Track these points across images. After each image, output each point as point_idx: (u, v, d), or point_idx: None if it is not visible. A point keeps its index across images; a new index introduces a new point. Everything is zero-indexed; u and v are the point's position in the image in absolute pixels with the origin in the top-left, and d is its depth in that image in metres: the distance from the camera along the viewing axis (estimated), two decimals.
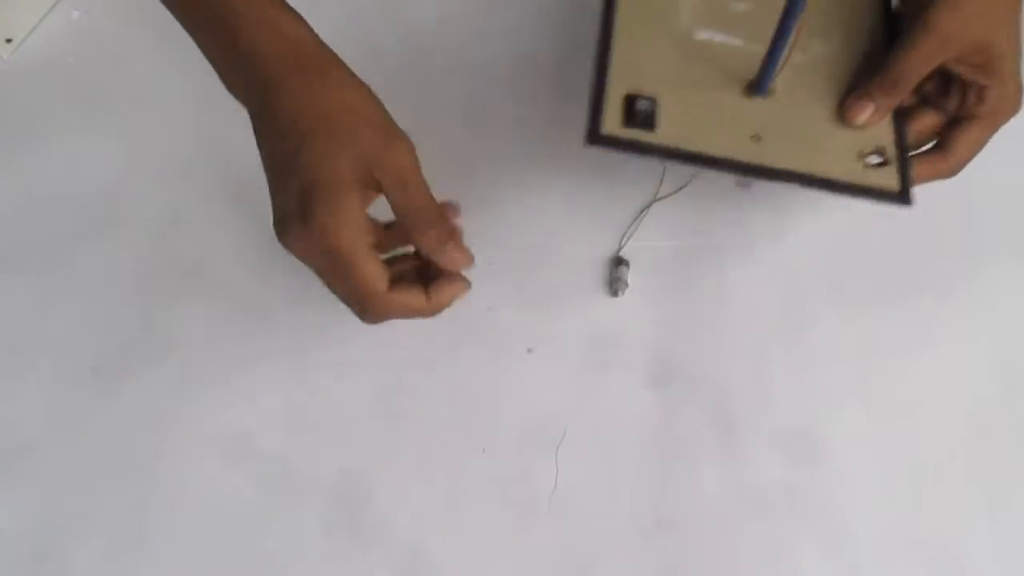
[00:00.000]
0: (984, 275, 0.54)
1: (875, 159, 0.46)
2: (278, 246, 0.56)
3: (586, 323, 0.54)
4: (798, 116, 0.47)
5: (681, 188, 0.57)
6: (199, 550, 0.49)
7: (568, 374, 0.52)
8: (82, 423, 0.52)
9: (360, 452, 0.51)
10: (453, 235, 0.43)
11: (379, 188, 0.42)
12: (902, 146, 0.47)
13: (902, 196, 0.45)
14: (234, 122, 0.59)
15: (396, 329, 0.54)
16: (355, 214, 0.40)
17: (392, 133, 0.42)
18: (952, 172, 0.49)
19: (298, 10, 0.44)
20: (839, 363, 0.52)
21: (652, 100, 0.46)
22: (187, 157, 0.59)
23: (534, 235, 0.56)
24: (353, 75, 0.43)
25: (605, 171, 0.58)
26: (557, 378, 0.52)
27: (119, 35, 0.64)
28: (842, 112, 0.47)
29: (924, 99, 0.48)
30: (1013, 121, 0.58)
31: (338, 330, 0.54)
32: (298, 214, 0.40)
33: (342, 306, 0.54)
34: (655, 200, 0.56)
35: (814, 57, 0.49)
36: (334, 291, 0.43)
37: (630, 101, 0.45)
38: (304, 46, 0.42)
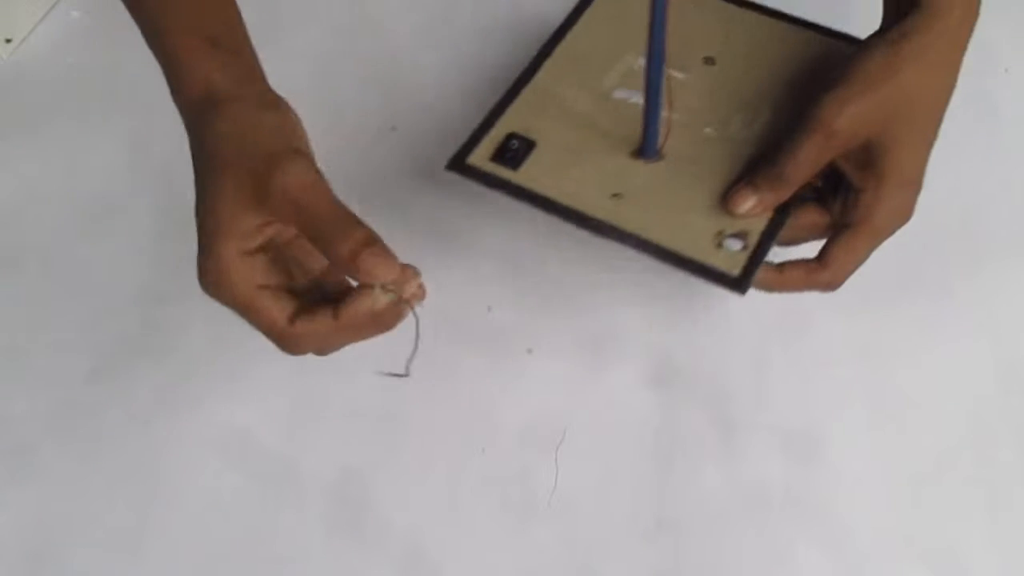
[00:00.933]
0: (984, 275, 0.54)
1: (735, 244, 0.43)
2: None
3: (586, 323, 0.54)
4: (672, 185, 0.45)
5: None
6: (199, 550, 0.49)
7: (568, 374, 0.52)
8: (82, 423, 0.52)
9: (360, 452, 0.51)
10: (370, 242, 0.38)
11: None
12: (767, 236, 0.43)
13: (738, 282, 0.42)
14: None
15: (396, 329, 0.54)
16: (233, 259, 0.39)
17: (278, 155, 0.38)
18: (829, 284, 0.45)
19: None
20: (839, 363, 0.52)
21: (530, 142, 0.46)
22: (187, 157, 0.59)
23: (533, 234, 0.56)
24: (245, 105, 0.41)
25: None
26: (557, 378, 0.52)
27: (119, 35, 0.64)
28: (725, 198, 0.44)
29: (819, 193, 0.46)
30: (1011, 118, 0.59)
31: None
32: (199, 265, 0.40)
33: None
34: None
35: (727, 135, 0.47)
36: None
37: (508, 138, 0.46)
38: (199, 86, 0.42)
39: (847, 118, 0.42)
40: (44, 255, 0.57)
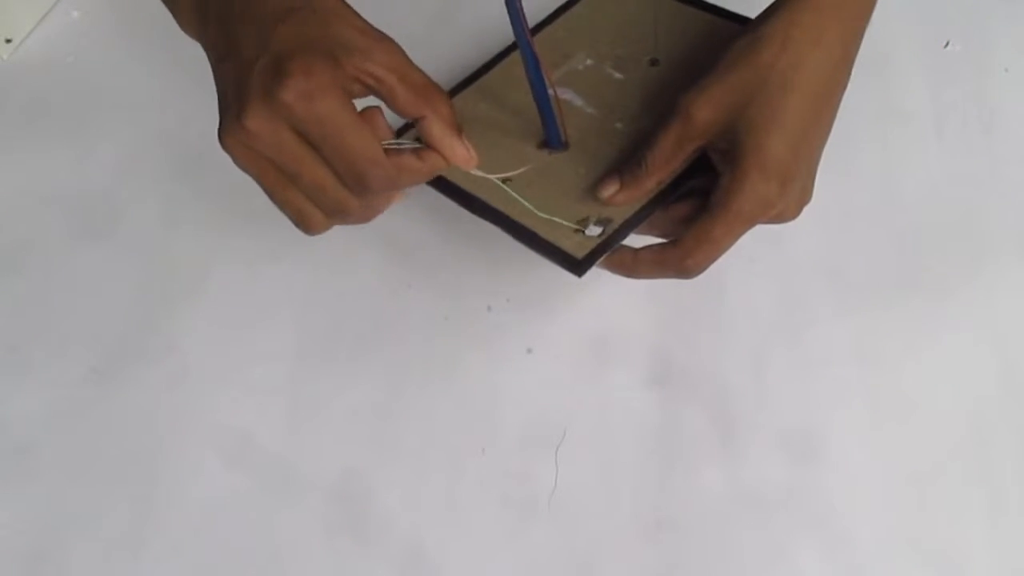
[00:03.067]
0: (984, 275, 0.54)
1: (595, 230, 0.44)
2: (277, 244, 0.56)
3: (586, 323, 0.54)
4: (561, 173, 0.46)
5: None
6: (199, 550, 0.49)
7: (568, 374, 0.52)
8: (82, 423, 0.52)
9: (360, 452, 0.51)
10: (457, 132, 0.39)
11: (366, 85, 0.37)
12: (627, 225, 0.44)
13: (576, 264, 0.42)
14: None
15: (396, 329, 0.54)
16: (341, 81, 0.35)
17: (379, 33, 0.38)
18: (682, 268, 0.43)
19: None
20: (839, 363, 0.52)
21: None
22: (186, 156, 0.59)
23: None
24: None
25: None
26: (557, 378, 0.52)
27: (119, 35, 0.64)
28: (595, 185, 0.45)
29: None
30: (1010, 118, 0.59)
31: (339, 329, 0.54)
32: (265, 85, 0.35)
33: (343, 303, 0.55)
34: None
35: (633, 128, 0.48)
36: (303, 181, 0.37)
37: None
38: None
39: (703, 104, 0.41)
40: (44, 255, 0.57)
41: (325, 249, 0.56)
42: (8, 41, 0.63)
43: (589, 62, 0.51)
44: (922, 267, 0.54)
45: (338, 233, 0.56)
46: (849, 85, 0.61)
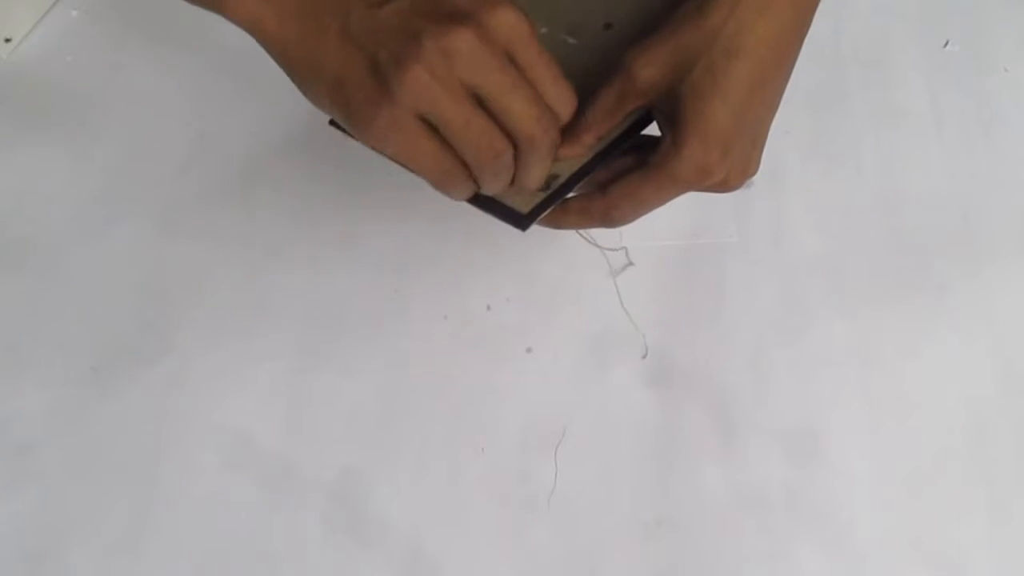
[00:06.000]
0: (984, 275, 0.54)
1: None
2: (277, 244, 0.56)
3: (586, 323, 0.54)
4: None
5: None
6: (199, 550, 0.49)
7: (568, 374, 0.52)
8: (82, 423, 0.52)
9: (360, 452, 0.51)
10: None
11: None
12: (573, 179, 0.43)
13: (521, 219, 0.43)
14: (232, 121, 0.60)
15: (396, 329, 0.54)
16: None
17: None
18: (603, 217, 0.43)
19: None
20: (839, 363, 0.52)
21: None
22: (185, 157, 0.59)
23: (534, 233, 0.56)
24: None
25: None
26: (557, 378, 0.52)
27: (118, 35, 0.64)
28: None
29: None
30: (1010, 118, 0.59)
31: (339, 329, 0.54)
32: (475, 6, 0.36)
33: (342, 303, 0.55)
34: None
35: (583, 92, 0.46)
36: (515, 105, 0.38)
37: None
38: None
39: (645, 63, 0.41)
40: (44, 255, 0.57)
41: (325, 248, 0.56)
42: (7, 41, 0.63)
43: (544, 31, 0.51)
44: (922, 267, 0.54)
45: (337, 232, 0.57)
46: (849, 85, 0.61)
